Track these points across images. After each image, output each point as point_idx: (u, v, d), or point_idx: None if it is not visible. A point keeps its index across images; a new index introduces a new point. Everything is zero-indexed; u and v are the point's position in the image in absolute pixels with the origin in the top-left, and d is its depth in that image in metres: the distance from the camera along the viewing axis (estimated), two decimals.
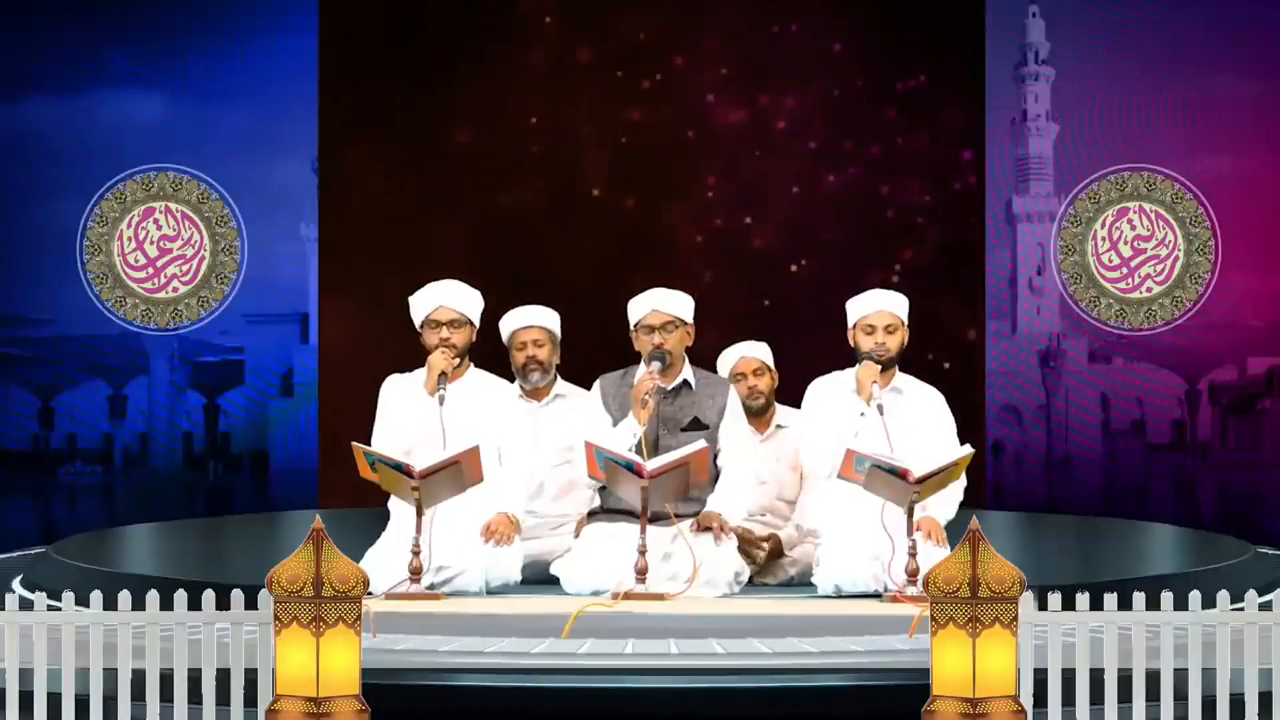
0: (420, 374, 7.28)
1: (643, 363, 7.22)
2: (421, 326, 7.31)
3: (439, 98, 12.63)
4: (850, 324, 7.30)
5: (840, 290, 7.66)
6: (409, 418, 7.21)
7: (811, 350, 8.05)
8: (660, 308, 7.24)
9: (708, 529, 7.08)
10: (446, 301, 7.27)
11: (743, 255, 12.62)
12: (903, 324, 7.28)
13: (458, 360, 7.26)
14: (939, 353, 11.81)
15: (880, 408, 7.08)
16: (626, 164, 12.67)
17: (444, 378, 7.18)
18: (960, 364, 12.27)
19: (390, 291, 7.60)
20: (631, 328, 7.32)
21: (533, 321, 7.77)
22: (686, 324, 7.28)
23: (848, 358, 7.36)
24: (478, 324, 7.35)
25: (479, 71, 12.64)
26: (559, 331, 7.81)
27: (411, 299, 7.35)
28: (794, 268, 12.63)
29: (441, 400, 7.15)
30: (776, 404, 7.92)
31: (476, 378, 7.39)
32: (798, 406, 7.58)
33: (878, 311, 7.25)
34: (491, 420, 7.27)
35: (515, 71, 12.66)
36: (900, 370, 7.34)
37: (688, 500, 7.13)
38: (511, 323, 7.80)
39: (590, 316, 8.78)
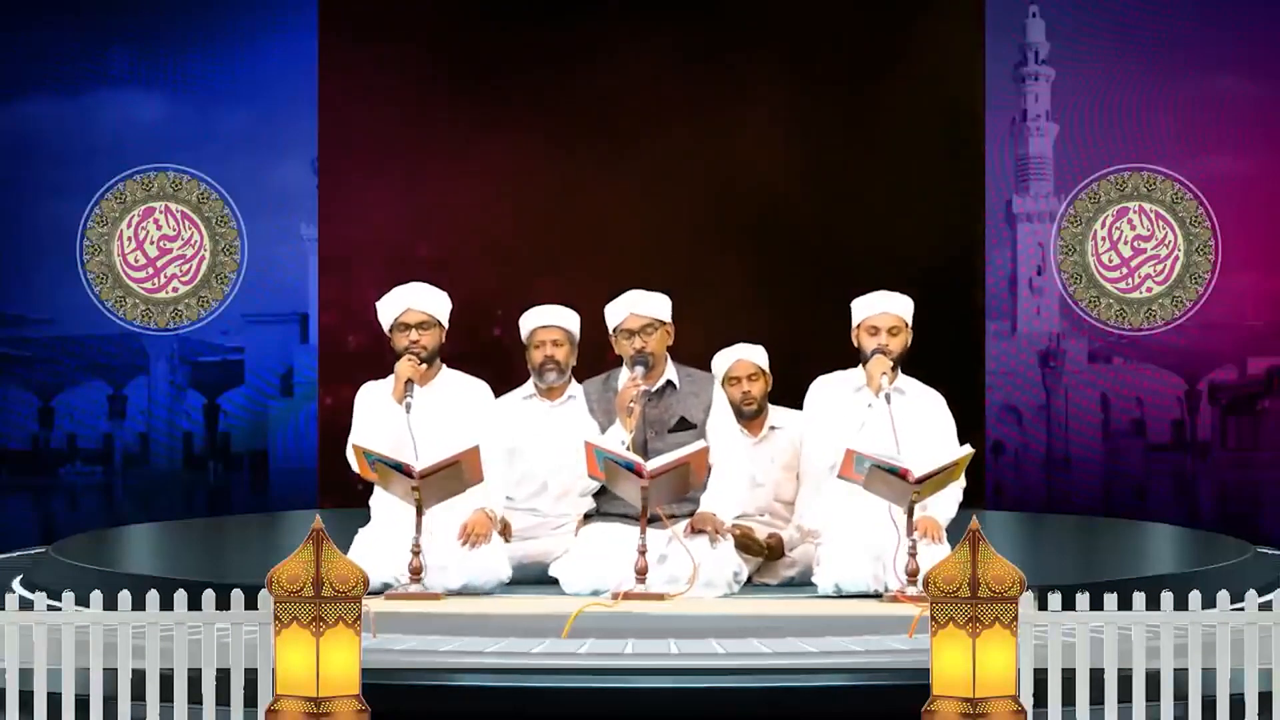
0: (391, 381, 7.26)
1: (625, 368, 7.20)
2: (390, 330, 7.28)
3: (439, 97, 12.62)
4: (855, 323, 7.26)
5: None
6: (380, 426, 7.16)
7: (810, 349, 8.02)
8: (637, 310, 7.18)
9: (702, 531, 7.05)
10: (414, 304, 7.24)
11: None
12: (906, 325, 7.24)
13: (425, 364, 7.24)
14: (939, 352, 11.76)
15: (888, 398, 7.05)
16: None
17: (411, 385, 7.16)
18: (960, 364, 12.26)
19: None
20: (610, 333, 7.27)
21: (553, 321, 7.73)
22: (666, 324, 7.21)
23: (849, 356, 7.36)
24: (446, 325, 7.32)
25: (479, 70, 12.63)
26: (578, 333, 7.77)
27: (379, 304, 7.31)
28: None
29: (408, 408, 7.11)
30: (770, 405, 7.88)
31: (447, 379, 7.36)
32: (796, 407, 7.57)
33: (882, 313, 7.21)
34: (464, 420, 7.22)
35: (514, 70, 12.65)
36: (903, 372, 7.33)
37: (680, 501, 7.10)
38: (531, 321, 7.75)
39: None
